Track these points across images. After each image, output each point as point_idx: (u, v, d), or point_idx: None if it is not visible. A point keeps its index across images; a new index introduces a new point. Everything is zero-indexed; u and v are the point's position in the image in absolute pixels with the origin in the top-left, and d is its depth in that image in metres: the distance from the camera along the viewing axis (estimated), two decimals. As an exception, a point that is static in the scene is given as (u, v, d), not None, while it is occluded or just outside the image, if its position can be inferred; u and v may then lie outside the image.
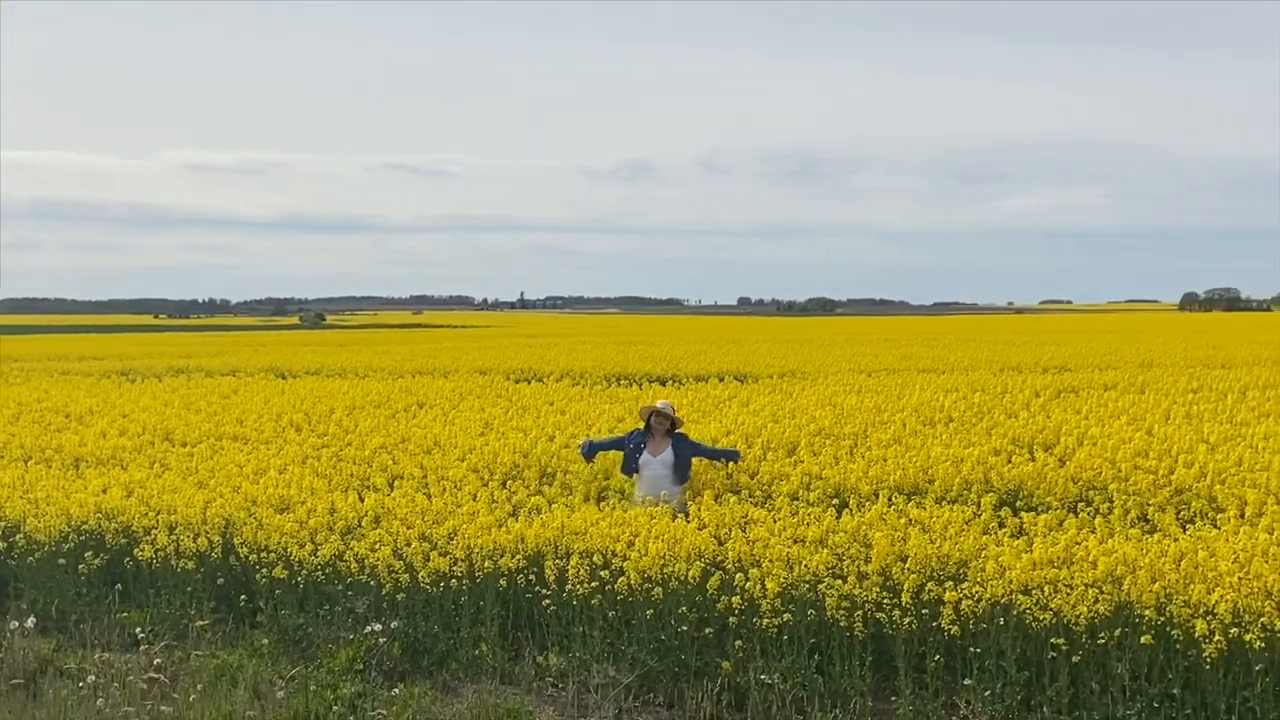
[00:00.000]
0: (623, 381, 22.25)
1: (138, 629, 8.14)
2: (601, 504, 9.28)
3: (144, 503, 9.56)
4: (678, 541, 7.66)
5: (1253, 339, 38.52)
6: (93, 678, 7.07)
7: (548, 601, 7.71)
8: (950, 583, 6.80)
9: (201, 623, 8.20)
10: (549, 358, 30.41)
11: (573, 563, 7.67)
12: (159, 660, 7.38)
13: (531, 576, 7.90)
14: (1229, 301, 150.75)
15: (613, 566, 7.63)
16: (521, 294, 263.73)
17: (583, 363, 28.16)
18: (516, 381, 22.58)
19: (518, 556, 7.99)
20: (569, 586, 7.60)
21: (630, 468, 9.85)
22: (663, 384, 21.95)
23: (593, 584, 7.54)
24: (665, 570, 7.47)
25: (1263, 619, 6.04)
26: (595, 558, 7.73)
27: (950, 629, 6.58)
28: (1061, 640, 6.35)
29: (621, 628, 7.50)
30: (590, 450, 10.30)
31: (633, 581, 7.44)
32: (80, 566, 9.03)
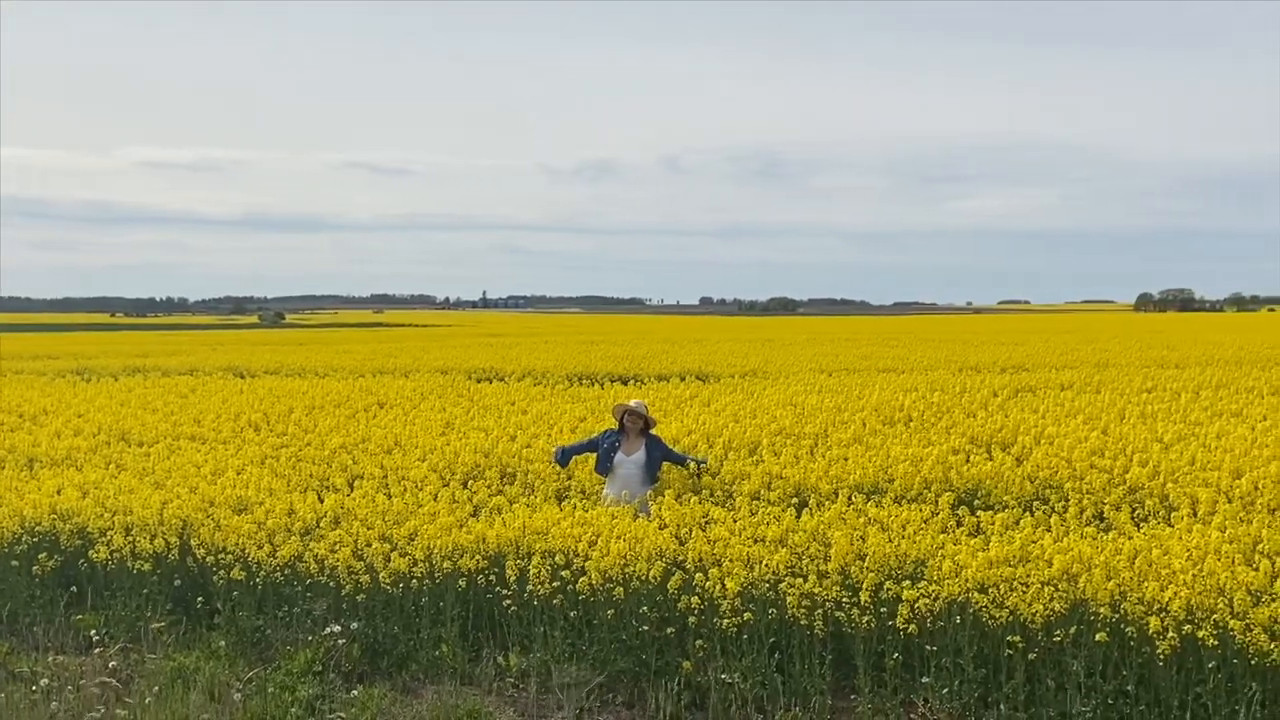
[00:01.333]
0: (585, 381, 22.22)
1: (92, 631, 8.07)
2: (563, 503, 9.26)
3: (99, 504, 9.45)
4: (639, 541, 7.67)
5: (1206, 339, 39.02)
6: (46, 681, 6.99)
7: (509, 602, 7.70)
8: (908, 581, 6.84)
9: (157, 625, 8.12)
10: (511, 357, 30.33)
11: (534, 563, 7.67)
12: (114, 663, 7.31)
13: (492, 577, 7.88)
14: (1183, 302, 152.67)
15: (574, 566, 7.63)
16: (484, 293, 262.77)
17: (545, 362, 28.10)
18: (478, 381, 22.53)
19: (478, 557, 7.97)
20: (530, 587, 7.60)
21: (604, 467, 9.81)
22: (625, 384, 21.93)
23: (554, 584, 7.53)
24: (627, 570, 7.47)
25: (1215, 616, 6.13)
26: (557, 557, 7.72)
27: (908, 627, 6.62)
28: (1018, 638, 6.42)
29: (583, 628, 7.50)
30: (564, 456, 10.27)
31: (594, 581, 7.44)
32: (34, 568, 8.92)
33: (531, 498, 9.79)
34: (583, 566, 7.56)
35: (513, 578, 7.73)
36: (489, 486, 10.12)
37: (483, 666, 7.53)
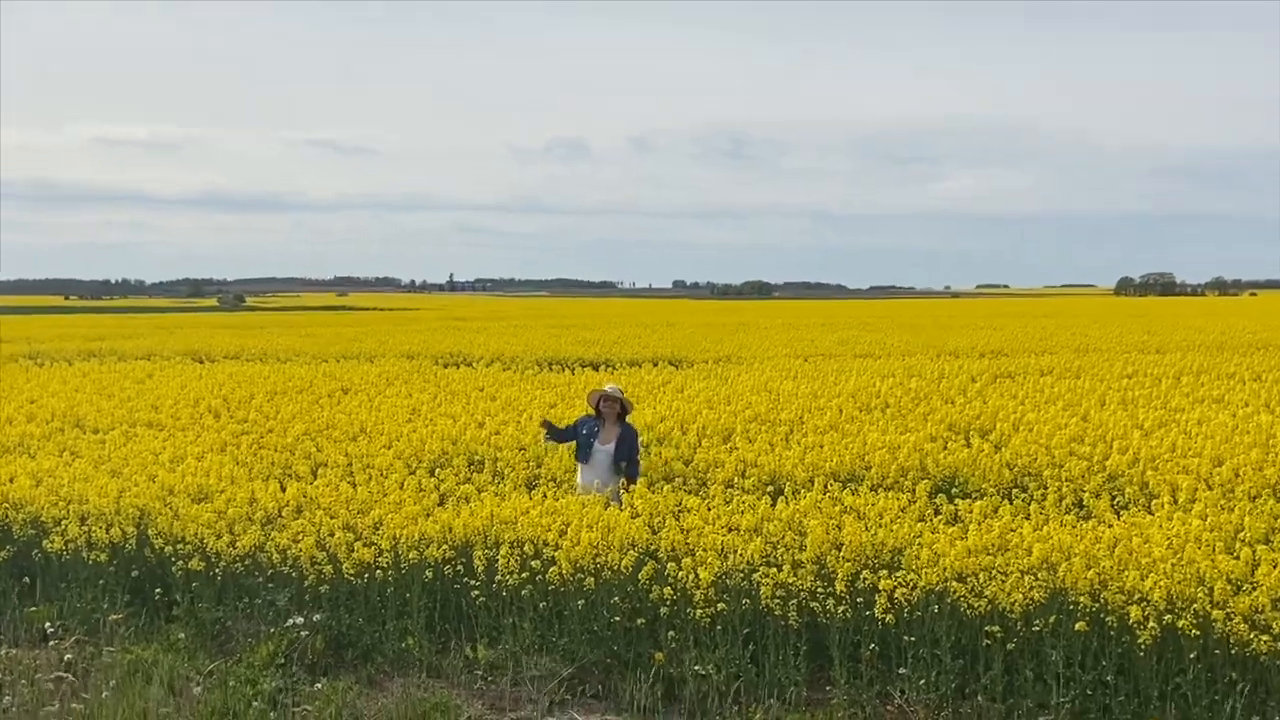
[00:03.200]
0: (555, 367, 22.22)
1: (47, 624, 7.99)
2: (533, 492, 9.23)
3: (53, 492, 9.37)
4: (611, 530, 7.67)
5: (1187, 324, 39.38)
6: (-1, 675, 6.92)
7: (477, 593, 7.68)
8: (885, 571, 6.88)
9: (114, 617, 8.05)
10: (479, 342, 30.27)
11: (502, 552, 7.65)
12: (69, 656, 7.24)
13: (459, 567, 7.87)
14: (1164, 286, 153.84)
15: (544, 556, 7.62)
16: (451, 276, 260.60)
17: (514, 347, 28.06)
18: (445, 366, 22.48)
19: (445, 547, 7.94)
20: (499, 577, 7.59)
21: (585, 455, 9.70)
22: (596, 369, 21.94)
23: (523, 574, 7.52)
24: (598, 560, 7.47)
25: (1195, 605, 6.19)
26: (526, 547, 7.71)
27: (885, 617, 6.66)
28: (996, 627, 6.46)
29: (553, 619, 7.50)
30: (560, 435, 10.13)
31: (564, 571, 7.44)
32: (-14, 559, 8.83)
33: (500, 486, 9.78)
34: (552, 556, 7.56)
35: (481, 568, 7.71)
36: (456, 474, 10.09)
37: (450, 659, 7.51)
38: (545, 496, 8.67)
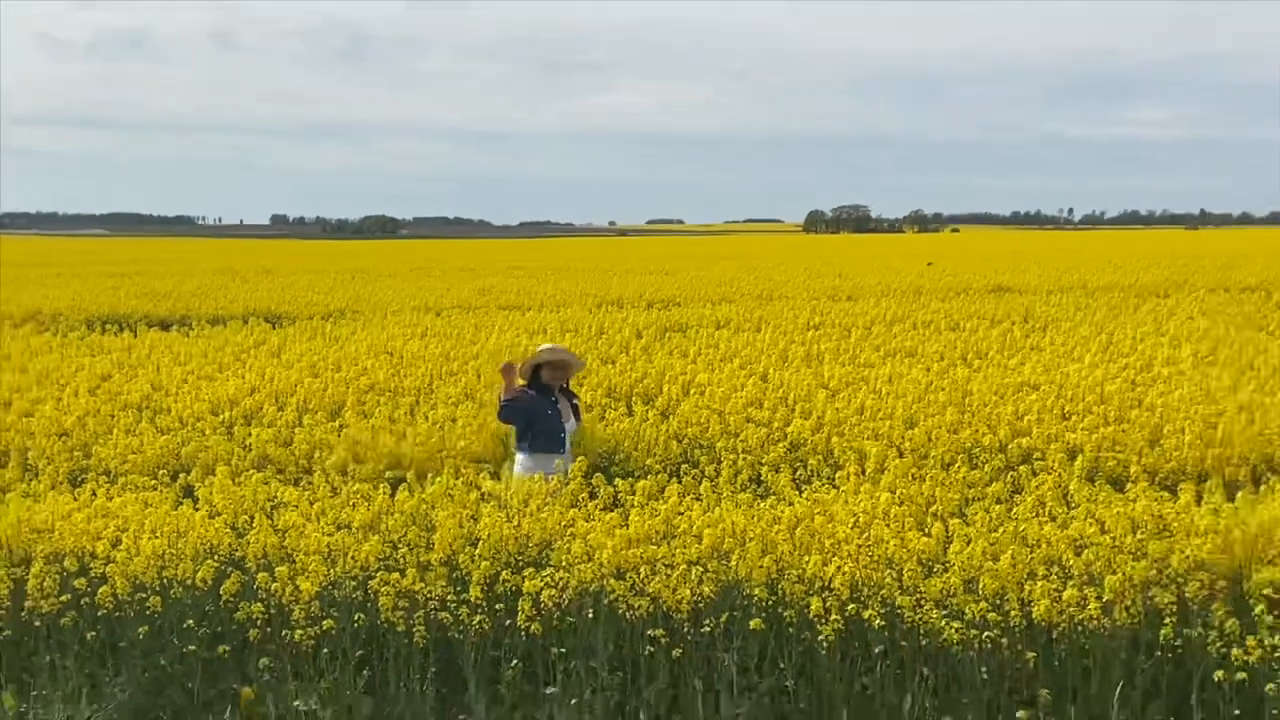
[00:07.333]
0: (112, 327, 21.19)
1: None
2: (78, 489, 8.77)
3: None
4: (182, 535, 7.42)
5: (883, 265, 42.24)
6: None
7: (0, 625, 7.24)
8: (531, 569, 6.97)
9: None
10: (5, 296, 28.48)
11: (34, 570, 7.23)
12: None
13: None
14: (858, 222, 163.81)
15: (92, 573, 7.27)
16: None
17: (55, 302, 26.61)
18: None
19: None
20: (28, 603, 7.17)
21: (560, 444, 9.40)
22: (166, 328, 21.12)
23: (64, 597, 7.14)
24: (166, 574, 7.20)
25: (883, 592, 6.61)
26: (68, 562, 7.33)
27: (530, 627, 6.75)
28: (661, 631, 6.68)
29: (106, 653, 7.17)
30: (517, 414, 9.50)
31: (120, 591, 7.11)
32: None
33: (34, 484, 9.23)
34: (103, 573, 7.22)
35: (4, 593, 7.26)
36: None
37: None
38: (94, 495, 8.26)
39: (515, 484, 8.55)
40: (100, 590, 7.14)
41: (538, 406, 9.36)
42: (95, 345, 17.47)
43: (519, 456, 9.35)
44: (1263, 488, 7.91)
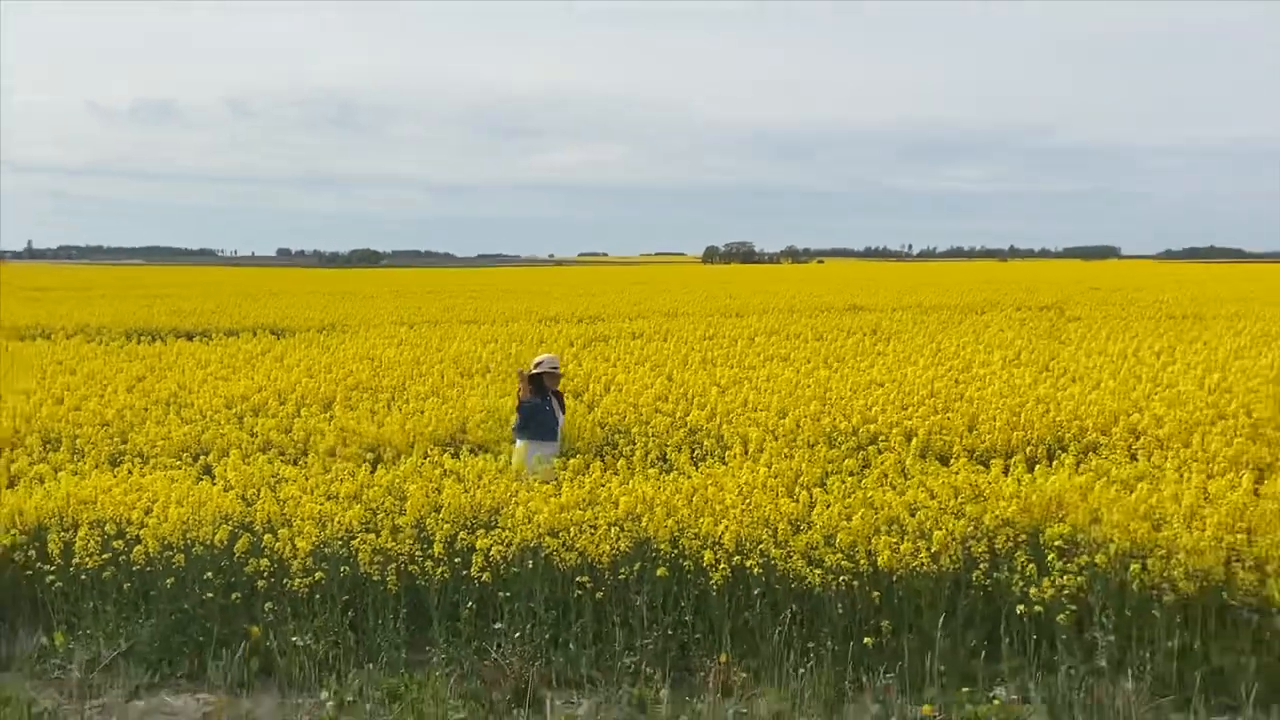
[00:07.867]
0: (146, 338, 20.80)
1: None
2: (117, 469, 8.60)
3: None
4: (202, 505, 7.30)
5: (764, 289, 42.36)
6: None
7: (52, 578, 7.07)
8: (482, 530, 6.95)
9: None
10: (60, 313, 27.86)
11: (81, 534, 7.09)
12: None
13: (33, 552, 7.22)
14: (745, 255, 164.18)
15: (128, 535, 7.13)
16: (29, 243, 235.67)
17: (100, 317, 26.06)
18: (21, 339, 20.53)
19: (15, 531, 7.26)
20: (75, 560, 7.02)
21: (553, 432, 9.26)
22: (190, 339, 20.75)
23: (104, 555, 7.00)
24: (189, 535, 7.08)
25: (761, 546, 6.67)
26: (108, 527, 7.19)
27: (482, 576, 6.73)
28: (586, 578, 6.69)
29: (139, 600, 7.04)
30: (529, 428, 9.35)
31: (151, 550, 6.99)
32: None
33: (80, 464, 9.04)
34: (137, 535, 7.08)
35: (56, 552, 7.11)
36: (30, 454, 9.25)
37: (21, 648, 6.88)
38: (130, 473, 8.11)
39: (518, 460, 8.74)
40: (135, 549, 7.03)
41: (541, 406, 9.37)
42: (132, 353, 17.13)
43: (519, 442, 9.27)
44: (1055, 463, 8.05)
